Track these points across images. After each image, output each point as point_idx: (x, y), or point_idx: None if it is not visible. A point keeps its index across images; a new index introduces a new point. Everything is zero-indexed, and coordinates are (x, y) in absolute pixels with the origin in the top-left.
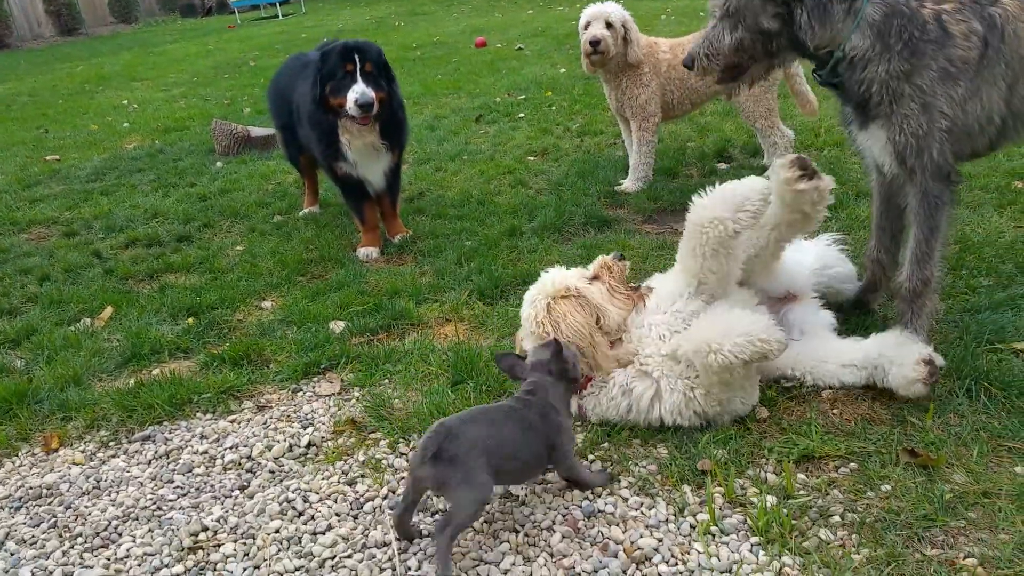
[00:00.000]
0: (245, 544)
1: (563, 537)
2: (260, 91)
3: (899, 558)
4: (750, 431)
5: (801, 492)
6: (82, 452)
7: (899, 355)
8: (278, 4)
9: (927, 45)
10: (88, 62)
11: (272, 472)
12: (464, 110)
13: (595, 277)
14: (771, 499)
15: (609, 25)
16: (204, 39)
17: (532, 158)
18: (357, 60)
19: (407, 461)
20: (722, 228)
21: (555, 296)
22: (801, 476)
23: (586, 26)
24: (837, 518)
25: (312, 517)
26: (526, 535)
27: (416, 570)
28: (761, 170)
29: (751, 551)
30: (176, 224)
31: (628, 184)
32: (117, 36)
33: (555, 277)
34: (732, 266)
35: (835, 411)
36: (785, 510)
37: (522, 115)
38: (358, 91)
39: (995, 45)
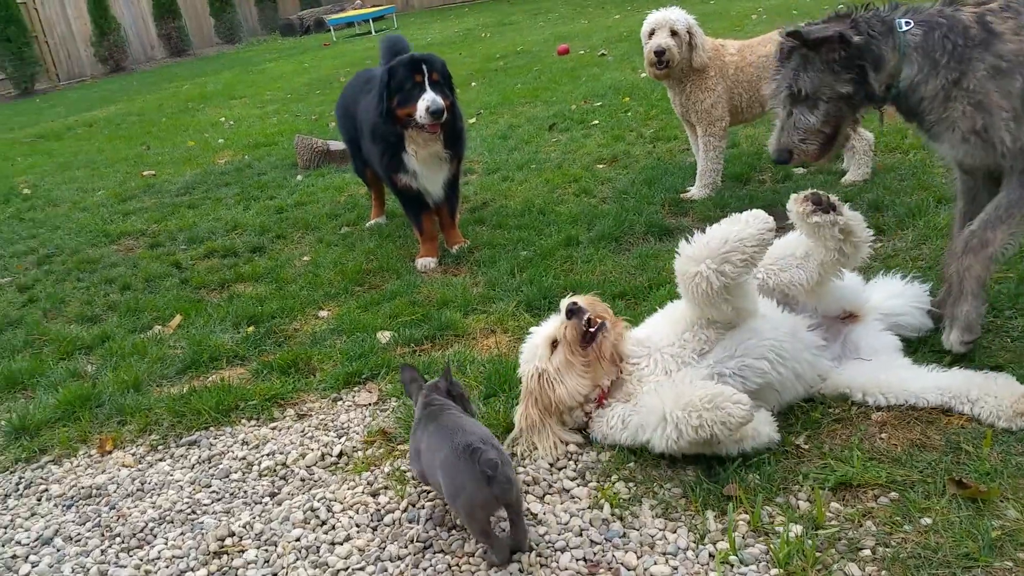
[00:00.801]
0: (267, 551)
1: (573, 559)
2: None
3: None
4: (788, 455)
5: (832, 522)
6: (132, 455)
7: (994, 387)
8: (371, 21)
9: (972, 49)
10: (193, 81)
11: (303, 480)
12: (539, 119)
13: (554, 343)
14: (797, 529)
15: (674, 33)
16: (301, 57)
17: (601, 165)
18: (425, 71)
19: None
20: (706, 284)
21: (526, 390)
22: (836, 505)
23: (650, 34)
24: (867, 552)
25: (332, 527)
26: (539, 555)
27: None
28: (841, 175)
29: None
30: (252, 236)
31: (694, 191)
32: (221, 56)
33: (535, 338)
34: (740, 302)
35: (883, 435)
36: (810, 541)
37: (596, 122)
38: (429, 99)
39: None
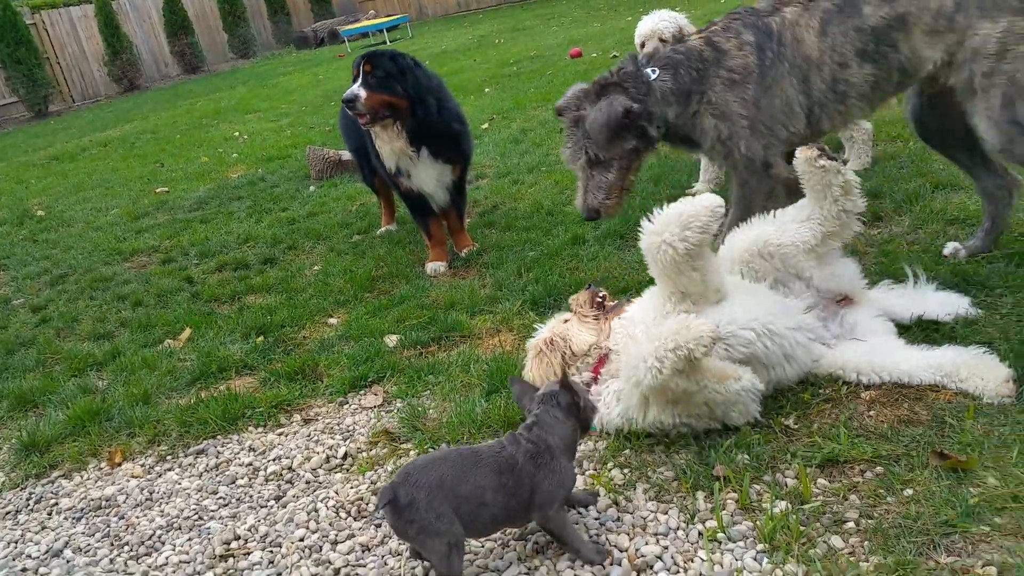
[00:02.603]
0: (272, 552)
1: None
2: None
3: (908, 566)
4: (777, 435)
5: (818, 497)
6: (141, 466)
7: (983, 370)
8: (385, 31)
9: (707, 67)
10: (207, 97)
11: (308, 483)
12: (551, 122)
13: (565, 320)
14: (783, 505)
15: (663, 41)
16: (315, 69)
17: None
18: (361, 66)
19: None
20: (672, 251)
21: (535, 350)
22: (823, 481)
23: (642, 46)
24: (851, 524)
25: (333, 525)
26: (536, 543)
27: None
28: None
29: (755, 559)
30: (264, 247)
31: (698, 187)
32: (236, 71)
33: (541, 332)
34: (706, 274)
35: (871, 412)
36: (795, 516)
37: None
38: (349, 90)
39: (773, 48)
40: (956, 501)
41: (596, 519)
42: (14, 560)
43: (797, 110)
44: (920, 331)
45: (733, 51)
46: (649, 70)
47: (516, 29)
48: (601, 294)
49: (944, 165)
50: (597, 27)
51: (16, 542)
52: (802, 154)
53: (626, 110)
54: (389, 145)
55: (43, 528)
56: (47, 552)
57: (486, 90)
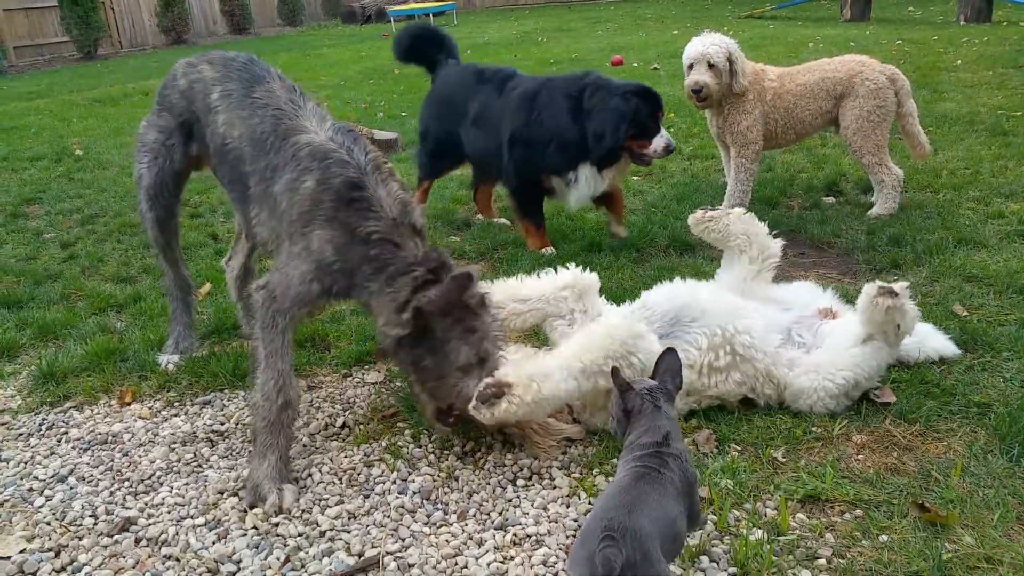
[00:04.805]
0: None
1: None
2: (398, 98)
3: None
4: (764, 466)
5: (795, 531)
6: (149, 408)
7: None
8: (431, 15)
9: None
10: None
11: (304, 446)
12: None
13: None
14: (759, 533)
15: (711, 66)
16: (359, 45)
17: (635, 177)
18: (662, 111)
19: (426, 452)
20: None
21: None
22: (802, 516)
23: (689, 68)
24: (823, 561)
25: (325, 489)
26: (515, 535)
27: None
28: (868, 207)
29: None
30: None
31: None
32: (282, 37)
33: None
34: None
35: (859, 456)
36: (770, 546)
37: None
38: (667, 139)
39: None
40: (930, 554)
41: (575, 520)
42: (22, 480)
43: None
44: (921, 384)
45: None
46: None
47: (560, 29)
48: None
49: (970, 221)
50: (642, 37)
51: (26, 463)
52: (691, 218)
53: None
54: (621, 175)
55: (52, 454)
56: (53, 476)
57: None
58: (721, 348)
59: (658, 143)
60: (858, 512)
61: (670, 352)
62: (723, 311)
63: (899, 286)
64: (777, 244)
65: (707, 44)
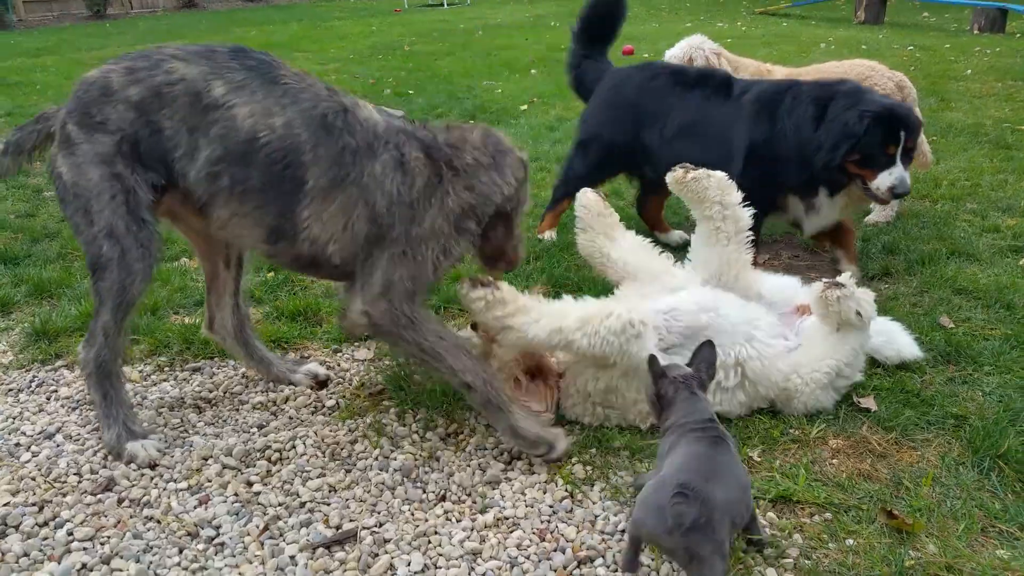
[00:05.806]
0: (243, 475)
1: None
2: (407, 75)
3: None
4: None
5: (765, 530)
6: (139, 372)
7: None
8: None
9: None
10: (260, 28)
11: (290, 418)
12: None
13: None
14: None
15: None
16: (370, 20)
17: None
18: (903, 139)
19: (410, 431)
20: None
21: None
22: (772, 515)
23: None
24: (790, 560)
25: (308, 462)
26: (495, 517)
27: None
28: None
29: None
30: None
31: None
32: (293, 7)
33: None
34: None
35: (834, 461)
36: (737, 542)
37: None
38: (898, 178)
39: None
40: (893, 560)
41: (550, 507)
42: (9, 435)
43: None
44: (901, 393)
45: None
46: None
47: (574, 14)
48: None
49: (965, 233)
50: (655, 27)
51: (14, 418)
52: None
53: None
54: (852, 206)
55: (40, 411)
56: (40, 433)
57: (532, 71)
58: (732, 370)
59: (883, 180)
60: (827, 515)
61: (708, 344)
62: (740, 332)
63: (843, 277)
64: (747, 214)
65: (689, 47)
